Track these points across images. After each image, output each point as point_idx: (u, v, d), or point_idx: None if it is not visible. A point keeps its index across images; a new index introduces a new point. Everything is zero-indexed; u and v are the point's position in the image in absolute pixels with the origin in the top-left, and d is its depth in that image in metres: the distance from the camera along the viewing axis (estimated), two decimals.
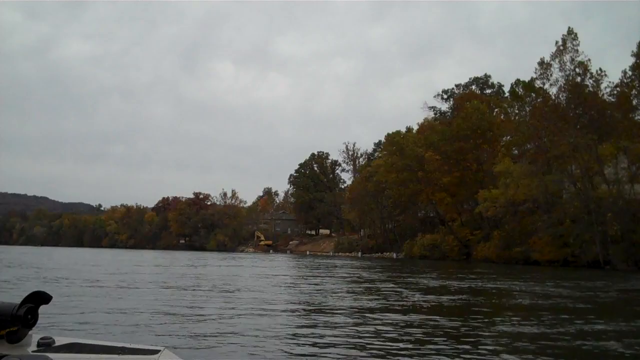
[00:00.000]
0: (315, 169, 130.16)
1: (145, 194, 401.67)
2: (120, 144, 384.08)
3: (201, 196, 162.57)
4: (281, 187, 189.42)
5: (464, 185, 67.92)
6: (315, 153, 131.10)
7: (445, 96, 76.41)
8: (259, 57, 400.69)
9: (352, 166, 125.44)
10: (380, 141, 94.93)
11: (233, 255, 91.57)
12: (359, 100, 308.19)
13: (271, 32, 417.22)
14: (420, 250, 73.41)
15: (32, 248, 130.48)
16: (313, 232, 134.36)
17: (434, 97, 77.36)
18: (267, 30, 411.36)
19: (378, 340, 10.16)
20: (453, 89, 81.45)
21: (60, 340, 2.22)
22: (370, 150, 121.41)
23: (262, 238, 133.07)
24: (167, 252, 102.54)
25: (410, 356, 8.91)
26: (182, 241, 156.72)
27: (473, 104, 64.48)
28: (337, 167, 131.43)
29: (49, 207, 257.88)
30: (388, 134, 78.00)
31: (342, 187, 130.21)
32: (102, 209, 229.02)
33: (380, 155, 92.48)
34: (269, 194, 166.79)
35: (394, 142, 73.66)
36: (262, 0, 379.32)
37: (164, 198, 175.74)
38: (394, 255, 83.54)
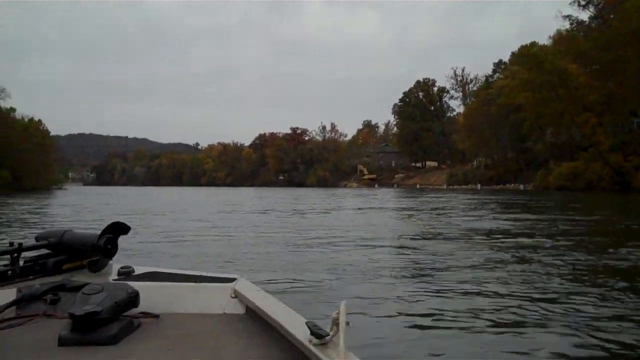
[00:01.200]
0: (421, 97, 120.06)
1: (242, 133, 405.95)
2: (215, 85, 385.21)
3: (299, 131, 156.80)
4: (381, 119, 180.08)
5: (618, 103, 57.22)
6: (421, 80, 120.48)
7: (583, 2, 64.49)
8: None
9: (461, 93, 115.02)
10: (500, 61, 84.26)
11: (337, 191, 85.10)
12: (453, 32, 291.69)
13: None
14: (556, 181, 63.79)
15: (133, 188, 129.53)
16: (419, 165, 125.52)
17: (570, 4, 65.48)
18: None
19: None
20: None
21: (139, 269, 2.27)
22: (479, 75, 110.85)
23: (366, 172, 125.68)
24: (266, 190, 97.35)
25: None
26: (280, 177, 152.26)
27: (633, 2, 52.75)
28: (444, 95, 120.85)
29: (148, 148, 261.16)
30: (522, 46, 67.18)
31: (451, 115, 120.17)
32: (199, 147, 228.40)
33: (501, 76, 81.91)
34: (369, 126, 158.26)
35: (531, 56, 62.81)
36: None
37: (260, 134, 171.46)
38: (521, 187, 74.32)
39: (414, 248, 11.24)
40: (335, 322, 1.29)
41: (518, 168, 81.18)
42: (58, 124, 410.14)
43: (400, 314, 5.63)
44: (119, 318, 1.64)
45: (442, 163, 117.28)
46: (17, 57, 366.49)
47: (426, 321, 5.31)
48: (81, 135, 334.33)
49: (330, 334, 1.30)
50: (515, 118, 72.60)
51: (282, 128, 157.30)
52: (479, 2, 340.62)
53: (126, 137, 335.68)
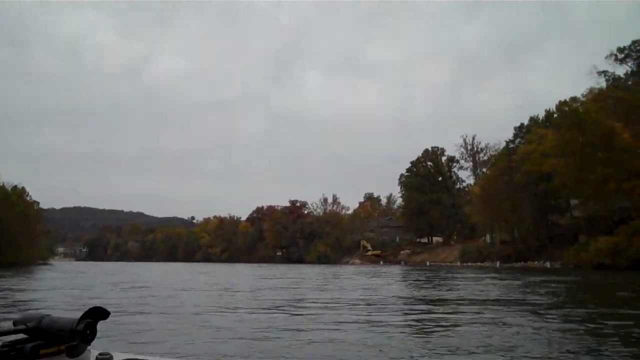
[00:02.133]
0: (429, 167, 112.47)
1: (239, 207, 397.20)
2: (214, 158, 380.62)
3: (298, 204, 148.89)
4: (382, 194, 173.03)
5: None
6: (429, 149, 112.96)
7: (621, 56, 57.68)
8: (348, 66, 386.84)
9: (471, 163, 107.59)
10: (522, 125, 76.81)
11: (340, 269, 76.50)
12: (452, 105, 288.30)
13: (360, 40, 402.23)
14: (593, 258, 55.07)
15: (123, 264, 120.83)
16: (424, 240, 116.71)
17: (605, 58, 58.75)
18: (355, 38, 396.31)
19: None
20: (631, 45, 61.76)
21: (117, 356, 2.20)
22: (490, 144, 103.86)
23: (369, 248, 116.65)
24: (263, 266, 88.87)
25: None
26: (278, 253, 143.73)
27: None
28: (454, 165, 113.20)
29: (144, 223, 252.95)
30: (560, 102, 59.81)
31: (461, 186, 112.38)
32: (194, 221, 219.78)
33: (523, 141, 74.29)
34: (370, 199, 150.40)
35: (571, 113, 54.97)
36: (349, 7, 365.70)
37: (258, 207, 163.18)
38: (547, 265, 65.70)
39: None
40: None
41: (540, 244, 72.57)
42: (53, 197, 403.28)
43: None
44: None
45: (448, 239, 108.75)
46: (13, 128, 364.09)
47: None
48: (76, 209, 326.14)
49: None
50: (543, 187, 64.74)
51: (281, 201, 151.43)
52: (476, 77, 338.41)
53: (122, 210, 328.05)
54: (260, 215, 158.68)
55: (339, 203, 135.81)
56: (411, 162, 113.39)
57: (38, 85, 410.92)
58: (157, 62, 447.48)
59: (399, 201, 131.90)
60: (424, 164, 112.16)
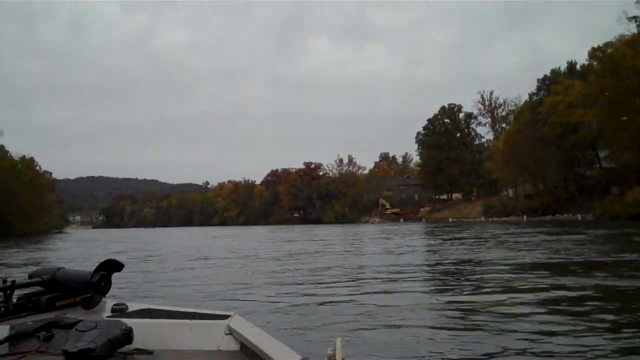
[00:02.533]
0: (447, 124, 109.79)
1: (253, 171, 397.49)
2: (223, 125, 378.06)
3: (312, 166, 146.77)
4: (395, 153, 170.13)
5: None
6: (446, 106, 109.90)
7: None
8: (354, 31, 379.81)
9: (490, 119, 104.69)
10: (545, 77, 73.92)
11: (360, 228, 74.95)
12: (461, 66, 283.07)
13: (366, 4, 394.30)
14: (630, 208, 52.90)
15: (140, 230, 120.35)
16: (444, 197, 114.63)
17: (636, 3, 55.33)
18: (361, 2, 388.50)
19: None
20: None
21: (132, 307, 2.26)
22: (507, 99, 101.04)
23: (388, 206, 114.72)
24: (280, 228, 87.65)
25: None
26: (295, 215, 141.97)
27: None
28: (472, 121, 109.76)
29: (158, 189, 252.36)
30: (594, 48, 56.65)
31: (480, 142, 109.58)
32: (209, 186, 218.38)
33: (544, 95, 71.46)
34: (386, 158, 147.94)
35: (606, 59, 51.97)
36: None
37: (272, 171, 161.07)
38: (579, 217, 63.57)
39: None
40: (331, 358, 1.25)
41: (569, 197, 70.41)
42: (67, 168, 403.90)
43: None
44: (113, 355, 1.62)
45: (468, 195, 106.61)
46: (23, 102, 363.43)
47: None
48: (90, 178, 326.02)
49: None
50: (572, 139, 62.32)
51: (294, 165, 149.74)
52: (485, 37, 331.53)
53: (136, 178, 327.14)
54: (275, 178, 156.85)
55: (355, 163, 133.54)
56: (428, 120, 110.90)
57: (45, 61, 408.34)
58: (162, 33, 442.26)
59: (415, 160, 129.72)
60: (441, 121, 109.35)
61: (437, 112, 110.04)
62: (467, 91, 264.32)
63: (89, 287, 2.16)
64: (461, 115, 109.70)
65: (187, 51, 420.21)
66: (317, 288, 11.54)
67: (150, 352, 1.79)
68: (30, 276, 2.28)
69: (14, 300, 2.13)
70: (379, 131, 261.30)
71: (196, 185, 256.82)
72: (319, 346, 5.36)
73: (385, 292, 10.73)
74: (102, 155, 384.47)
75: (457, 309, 8.34)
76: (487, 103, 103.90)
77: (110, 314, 2.13)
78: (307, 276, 14.10)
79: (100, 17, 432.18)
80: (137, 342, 1.74)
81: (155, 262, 21.03)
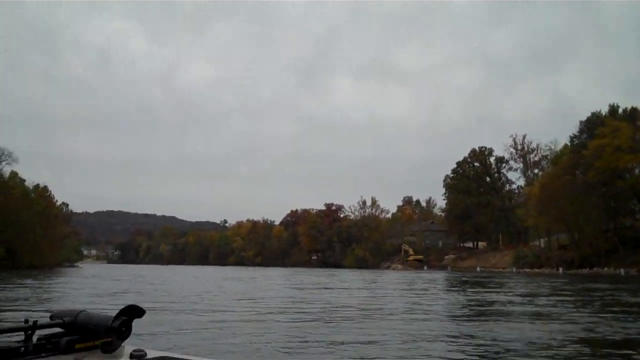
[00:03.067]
0: (477, 168, 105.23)
1: (272, 211, 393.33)
2: (245, 162, 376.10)
3: (333, 207, 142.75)
4: (415, 198, 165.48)
5: None
6: (476, 149, 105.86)
7: None
8: (378, 71, 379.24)
9: (522, 164, 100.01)
10: (588, 118, 69.71)
11: (383, 274, 70.65)
12: (483, 109, 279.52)
13: (389, 45, 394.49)
14: None
15: (151, 267, 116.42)
16: (470, 245, 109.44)
17: None
18: (385, 43, 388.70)
19: None
20: None
21: (151, 353, 2.24)
22: (540, 143, 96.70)
23: (411, 252, 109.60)
24: (298, 270, 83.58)
25: None
26: (314, 257, 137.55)
27: None
28: (503, 166, 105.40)
29: (176, 226, 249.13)
30: None
31: (510, 188, 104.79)
32: (227, 225, 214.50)
33: (587, 138, 67.09)
34: (409, 202, 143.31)
35: None
36: (379, 13, 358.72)
37: (292, 211, 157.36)
38: (621, 272, 58.57)
39: None
40: None
41: (609, 249, 65.41)
42: (86, 201, 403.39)
43: None
44: None
45: (497, 243, 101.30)
46: (47, 133, 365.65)
47: None
48: (109, 213, 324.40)
49: None
50: (619, 185, 57.81)
51: (314, 205, 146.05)
52: (507, 81, 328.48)
53: (154, 214, 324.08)
54: (295, 218, 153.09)
55: (378, 206, 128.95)
56: (457, 163, 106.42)
57: (70, 92, 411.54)
58: (187, 68, 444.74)
59: (439, 204, 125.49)
60: (471, 165, 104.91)
61: (466, 155, 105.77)
62: (490, 136, 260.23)
63: (110, 332, 2.13)
64: (492, 159, 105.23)
65: (210, 87, 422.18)
66: None
67: None
68: (51, 317, 2.23)
69: (34, 340, 2.09)
70: (400, 174, 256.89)
71: (214, 223, 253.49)
72: None
73: None
74: (122, 190, 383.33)
75: None
76: (519, 147, 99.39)
77: (128, 359, 2.12)
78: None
79: (126, 51, 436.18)
80: None
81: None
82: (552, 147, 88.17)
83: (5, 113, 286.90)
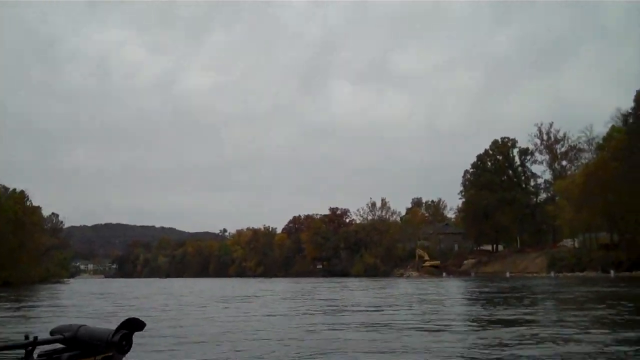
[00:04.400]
0: (499, 161, 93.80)
1: (273, 219, 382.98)
2: (245, 171, 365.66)
3: (339, 212, 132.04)
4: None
5: None
6: (499, 139, 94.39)
7: None
8: (377, 75, 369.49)
9: (548, 155, 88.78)
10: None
11: (394, 282, 60.53)
12: (484, 111, 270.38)
13: (388, 48, 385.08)
14: None
15: (144, 281, 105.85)
16: (488, 248, 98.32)
17: None
18: (383, 47, 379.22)
19: None
20: None
21: None
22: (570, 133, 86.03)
23: (427, 257, 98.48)
24: (302, 281, 73.57)
25: None
26: (319, 266, 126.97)
27: None
28: (527, 158, 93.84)
29: (175, 238, 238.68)
30: None
31: (535, 183, 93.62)
32: (226, 234, 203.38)
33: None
34: (419, 204, 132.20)
35: None
36: (377, 17, 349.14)
37: (294, 217, 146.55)
38: None
39: None
40: None
41: None
42: (85, 214, 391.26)
43: None
44: None
45: (522, 246, 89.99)
46: (45, 146, 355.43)
47: None
48: (108, 225, 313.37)
49: None
50: None
51: (317, 212, 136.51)
52: (508, 82, 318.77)
53: (153, 226, 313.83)
54: (297, 225, 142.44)
55: (389, 207, 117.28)
56: (477, 156, 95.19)
57: (69, 103, 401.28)
58: (186, 76, 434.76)
59: (450, 205, 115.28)
60: (493, 158, 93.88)
61: (488, 147, 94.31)
62: (491, 137, 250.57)
63: (110, 346, 2.10)
64: (515, 151, 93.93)
65: (209, 95, 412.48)
66: None
67: None
68: (51, 333, 2.21)
69: (35, 357, 2.07)
70: (403, 179, 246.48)
71: (213, 233, 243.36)
72: None
73: None
74: (121, 202, 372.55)
75: None
76: (544, 137, 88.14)
77: None
78: None
79: (125, 61, 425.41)
80: None
81: None
82: (588, 134, 77.35)
83: (4, 126, 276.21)
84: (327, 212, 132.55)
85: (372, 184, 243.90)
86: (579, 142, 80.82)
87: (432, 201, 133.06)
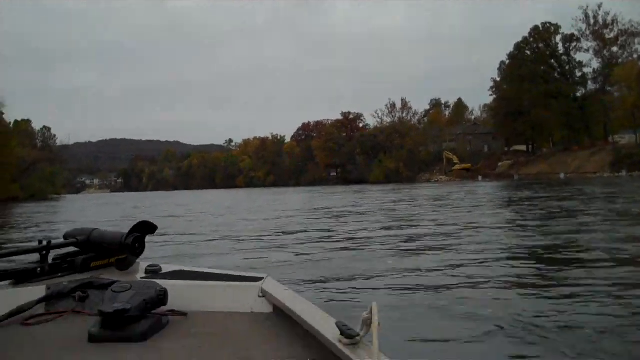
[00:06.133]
0: (541, 49, 79.00)
1: (280, 128, 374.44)
2: (245, 84, 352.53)
3: (351, 116, 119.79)
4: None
5: None
6: (539, 25, 79.61)
7: None
8: None
9: (595, 43, 75.01)
10: None
11: (425, 188, 49.46)
12: (485, 18, 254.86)
13: None
14: None
15: (148, 195, 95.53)
16: (522, 148, 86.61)
17: None
18: None
19: None
20: None
21: (166, 268, 2.21)
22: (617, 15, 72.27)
23: (456, 160, 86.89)
24: (318, 190, 62.95)
25: None
26: (332, 174, 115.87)
27: None
28: (572, 46, 79.07)
29: (181, 151, 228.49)
30: None
31: (581, 74, 79.90)
32: (232, 145, 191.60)
33: None
34: (437, 105, 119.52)
35: None
36: None
37: (304, 124, 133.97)
38: None
39: None
40: (367, 323, 1.18)
41: None
42: (90, 131, 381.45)
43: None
44: (148, 316, 1.60)
45: (569, 143, 77.57)
46: (47, 66, 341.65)
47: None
48: (112, 141, 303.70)
49: (361, 334, 1.20)
50: None
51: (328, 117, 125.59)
52: None
53: (158, 140, 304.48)
54: (307, 132, 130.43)
55: (410, 108, 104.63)
56: (515, 45, 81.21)
57: (63, 23, 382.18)
58: None
59: (473, 105, 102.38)
60: (535, 47, 79.80)
61: (527, 34, 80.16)
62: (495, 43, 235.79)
63: (124, 249, 2.10)
64: (557, 37, 79.59)
65: (206, 10, 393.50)
66: None
67: (184, 314, 1.76)
68: (65, 237, 2.20)
69: (50, 260, 2.06)
70: (406, 85, 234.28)
71: (219, 146, 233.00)
72: (354, 310, 4.65)
73: None
74: (124, 118, 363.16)
75: None
76: (591, 22, 74.24)
77: (144, 275, 2.07)
78: None
79: None
80: (171, 304, 1.73)
81: None
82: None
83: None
84: (339, 116, 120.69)
85: (381, 89, 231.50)
86: (632, 26, 67.75)
87: (449, 102, 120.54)
